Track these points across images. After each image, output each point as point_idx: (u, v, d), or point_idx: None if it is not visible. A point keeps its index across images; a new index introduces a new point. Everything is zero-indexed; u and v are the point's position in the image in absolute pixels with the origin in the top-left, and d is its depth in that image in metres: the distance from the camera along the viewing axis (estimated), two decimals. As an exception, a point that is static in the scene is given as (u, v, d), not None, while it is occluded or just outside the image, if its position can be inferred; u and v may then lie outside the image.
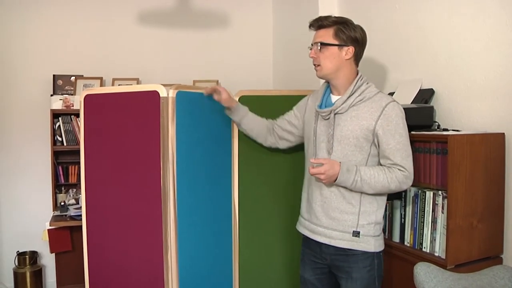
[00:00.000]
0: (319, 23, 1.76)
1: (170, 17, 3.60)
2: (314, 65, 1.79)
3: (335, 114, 1.73)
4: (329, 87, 1.84)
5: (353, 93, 1.72)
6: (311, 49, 1.78)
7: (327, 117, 1.76)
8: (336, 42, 1.72)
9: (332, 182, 1.68)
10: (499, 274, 1.62)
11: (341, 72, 1.74)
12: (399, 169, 1.66)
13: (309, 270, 1.87)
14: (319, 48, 1.73)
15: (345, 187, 1.70)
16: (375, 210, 1.73)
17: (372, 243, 1.72)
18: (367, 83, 1.75)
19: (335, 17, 1.76)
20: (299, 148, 2.22)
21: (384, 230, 1.96)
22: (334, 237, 1.74)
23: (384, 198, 1.77)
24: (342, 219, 1.72)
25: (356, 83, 1.73)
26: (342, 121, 1.72)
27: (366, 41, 1.78)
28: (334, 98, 1.79)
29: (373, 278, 1.73)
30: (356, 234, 1.70)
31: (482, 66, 1.96)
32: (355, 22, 1.77)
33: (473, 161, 1.77)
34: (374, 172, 1.67)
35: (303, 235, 1.89)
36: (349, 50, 1.73)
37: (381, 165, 1.72)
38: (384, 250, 1.78)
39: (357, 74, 1.77)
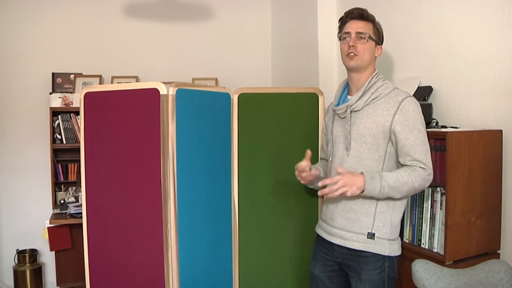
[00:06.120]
0: (361, 13, 1.75)
1: (169, 15, 3.59)
2: (349, 53, 1.72)
3: (351, 111, 1.72)
4: (347, 87, 1.83)
5: (368, 89, 1.71)
6: (345, 38, 1.74)
7: (343, 116, 1.75)
8: (375, 39, 1.75)
9: (358, 193, 1.60)
10: (494, 269, 1.63)
11: (369, 68, 1.75)
12: (420, 167, 1.61)
13: (319, 267, 1.85)
14: (366, 40, 1.72)
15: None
16: (391, 211, 1.69)
17: (386, 247, 1.68)
18: (383, 80, 1.75)
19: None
20: (298, 147, 2.23)
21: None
22: (349, 238, 1.70)
23: (403, 200, 1.72)
24: (358, 220, 1.69)
25: (371, 79, 1.72)
26: (359, 119, 1.70)
27: None
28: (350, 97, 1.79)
29: (383, 280, 1.69)
30: (371, 236, 1.67)
31: (480, 63, 1.96)
32: None
33: (471, 158, 1.78)
34: (397, 175, 1.61)
35: (317, 233, 1.88)
36: (380, 49, 1.78)
37: (400, 164, 1.68)
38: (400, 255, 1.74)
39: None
